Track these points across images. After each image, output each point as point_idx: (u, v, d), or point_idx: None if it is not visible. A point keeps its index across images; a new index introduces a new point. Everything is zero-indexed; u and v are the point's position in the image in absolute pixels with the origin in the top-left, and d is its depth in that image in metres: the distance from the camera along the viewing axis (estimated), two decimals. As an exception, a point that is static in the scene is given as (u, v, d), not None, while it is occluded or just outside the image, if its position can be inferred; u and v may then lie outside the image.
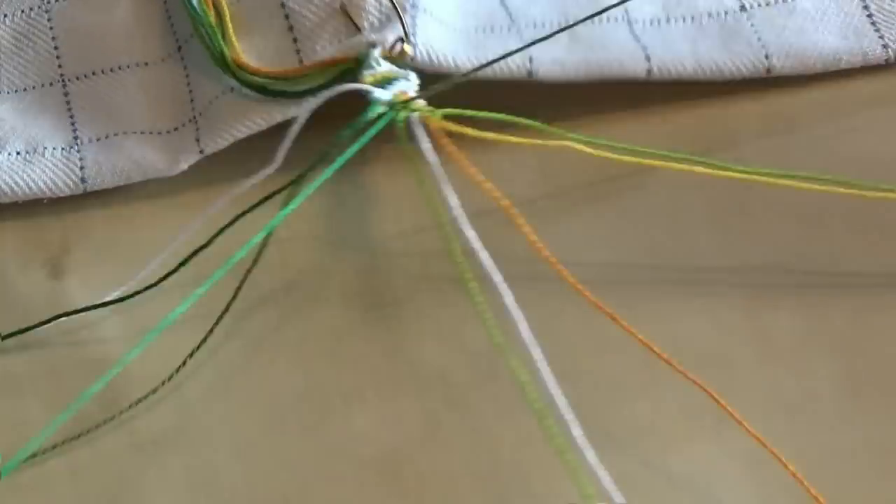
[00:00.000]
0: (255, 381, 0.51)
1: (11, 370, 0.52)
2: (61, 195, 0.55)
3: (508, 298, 0.45)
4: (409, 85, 0.52)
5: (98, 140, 0.56)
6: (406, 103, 0.51)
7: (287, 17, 0.56)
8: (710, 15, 0.57)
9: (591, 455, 0.46)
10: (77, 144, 0.56)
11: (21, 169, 0.55)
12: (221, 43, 0.55)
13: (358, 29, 0.54)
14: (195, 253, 0.50)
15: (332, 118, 0.51)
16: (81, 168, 0.55)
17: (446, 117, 0.50)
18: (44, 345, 0.52)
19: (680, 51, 0.55)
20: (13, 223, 0.55)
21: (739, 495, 0.48)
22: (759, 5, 0.56)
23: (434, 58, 0.54)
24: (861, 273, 0.52)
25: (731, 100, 0.55)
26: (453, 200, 0.47)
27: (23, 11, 0.58)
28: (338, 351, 0.51)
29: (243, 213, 0.50)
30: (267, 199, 0.50)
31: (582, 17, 0.56)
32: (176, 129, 0.56)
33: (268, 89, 0.54)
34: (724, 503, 0.48)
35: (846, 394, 0.50)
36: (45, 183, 0.55)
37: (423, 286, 0.52)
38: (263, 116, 0.54)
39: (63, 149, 0.55)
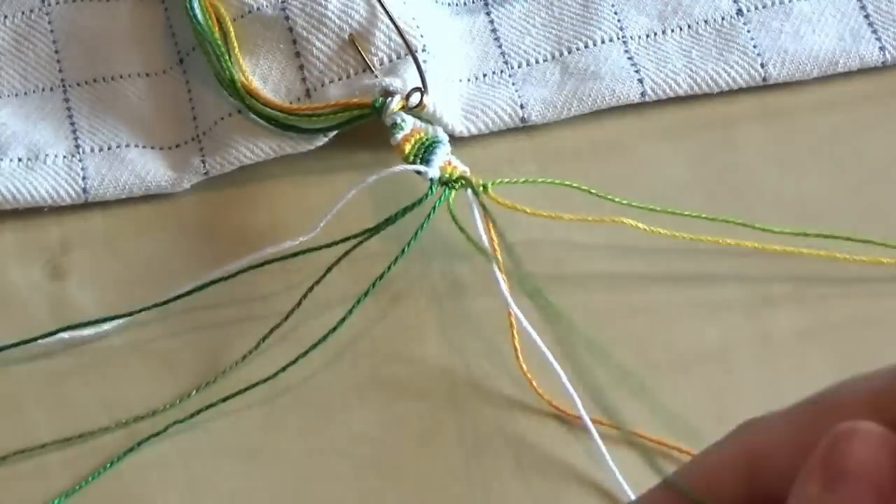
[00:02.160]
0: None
1: (14, 379, 0.52)
2: (63, 204, 0.55)
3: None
4: (447, 149, 0.52)
5: (100, 150, 0.56)
6: (458, 178, 0.51)
7: (294, 42, 0.55)
8: (706, 21, 0.57)
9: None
10: (79, 153, 0.55)
11: (23, 176, 0.55)
12: (230, 65, 0.55)
13: (366, 62, 0.55)
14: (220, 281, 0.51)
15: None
16: (84, 178, 0.55)
17: (496, 188, 0.51)
18: (46, 354, 0.52)
19: (674, 67, 0.55)
20: (13, 224, 0.54)
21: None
22: (756, 8, 0.57)
23: (439, 115, 0.54)
24: (861, 273, 0.52)
25: (730, 99, 0.55)
26: (500, 278, 0.49)
27: (23, 13, 0.58)
28: (337, 351, 0.51)
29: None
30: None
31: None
32: (178, 145, 0.56)
33: (279, 122, 0.54)
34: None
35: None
36: (46, 191, 0.54)
37: (425, 290, 0.52)
38: (273, 146, 0.54)
39: (65, 157, 0.55)
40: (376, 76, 0.54)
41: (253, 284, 0.52)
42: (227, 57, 0.55)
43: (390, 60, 0.55)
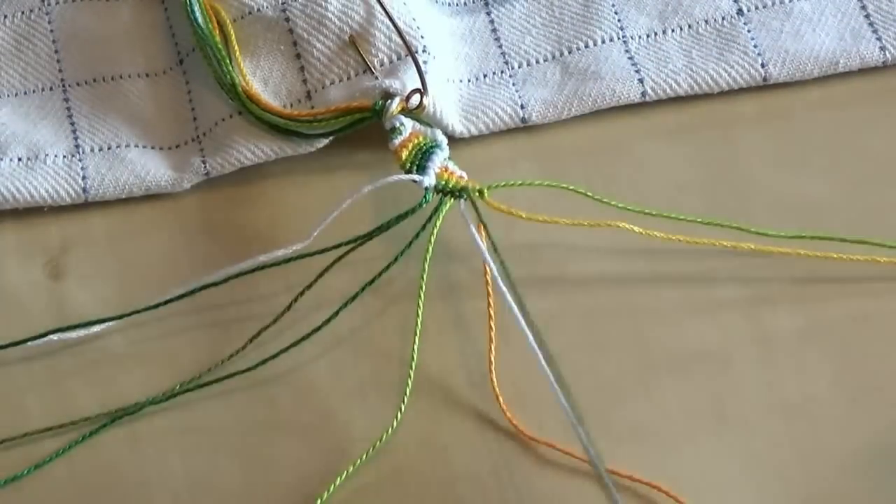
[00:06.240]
0: (255, 382, 0.51)
1: (13, 377, 0.52)
2: (63, 204, 0.55)
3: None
4: (444, 154, 0.52)
5: (100, 150, 0.56)
6: (454, 187, 0.51)
7: (295, 43, 0.56)
8: (706, 21, 0.57)
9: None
10: (79, 153, 0.56)
11: (23, 176, 0.55)
12: (230, 69, 0.55)
13: (367, 64, 0.55)
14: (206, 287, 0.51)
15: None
16: (84, 178, 0.55)
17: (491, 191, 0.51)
18: (45, 354, 0.52)
19: (675, 67, 0.56)
20: (13, 223, 0.55)
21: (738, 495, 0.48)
22: (757, 8, 0.57)
23: (439, 117, 0.54)
24: (858, 272, 0.52)
25: (730, 99, 0.55)
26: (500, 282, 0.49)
27: (23, 13, 0.58)
28: (338, 351, 0.51)
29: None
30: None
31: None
32: (178, 145, 0.56)
33: (280, 127, 0.54)
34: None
35: (846, 394, 0.50)
36: (46, 191, 0.54)
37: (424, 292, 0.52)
38: (274, 149, 0.54)
39: (65, 156, 0.55)
40: (376, 77, 0.54)
41: (252, 285, 0.52)
42: (227, 61, 0.55)
43: (390, 61, 0.55)
